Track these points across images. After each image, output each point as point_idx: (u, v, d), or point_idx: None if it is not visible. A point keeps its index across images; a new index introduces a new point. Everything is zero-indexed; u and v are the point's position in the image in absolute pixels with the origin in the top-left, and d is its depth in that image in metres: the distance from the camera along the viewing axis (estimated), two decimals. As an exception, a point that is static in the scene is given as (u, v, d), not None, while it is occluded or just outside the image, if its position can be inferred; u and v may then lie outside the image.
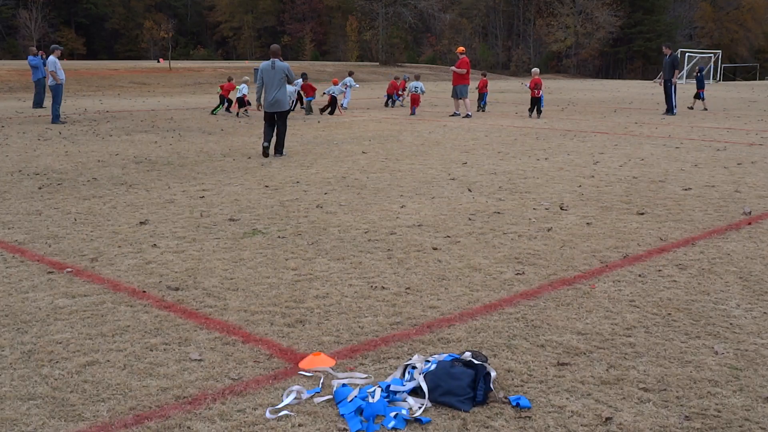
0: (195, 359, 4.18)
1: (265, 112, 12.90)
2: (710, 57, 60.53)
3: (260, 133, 16.54)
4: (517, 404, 3.63)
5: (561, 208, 8.32)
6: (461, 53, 21.53)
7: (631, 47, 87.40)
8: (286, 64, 12.82)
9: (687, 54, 58.50)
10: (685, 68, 57.25)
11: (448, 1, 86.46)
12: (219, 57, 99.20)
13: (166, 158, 12.41)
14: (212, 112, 22.79)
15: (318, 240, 6.90)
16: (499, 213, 8.09)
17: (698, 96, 25.42)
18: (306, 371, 4.03)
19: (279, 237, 7.02)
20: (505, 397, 3.72)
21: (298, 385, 3.85)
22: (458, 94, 21.49)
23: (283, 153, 12.93)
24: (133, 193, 9.28)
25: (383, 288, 5.49)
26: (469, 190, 9.40)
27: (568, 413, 3.58)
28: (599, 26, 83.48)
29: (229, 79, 24.45)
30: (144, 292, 5.39)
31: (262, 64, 12.95)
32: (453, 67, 21.35)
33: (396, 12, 73.36)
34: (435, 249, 6.58)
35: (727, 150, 13.71)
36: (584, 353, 4.30)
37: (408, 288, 5.50)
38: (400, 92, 27.27)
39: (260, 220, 7.74)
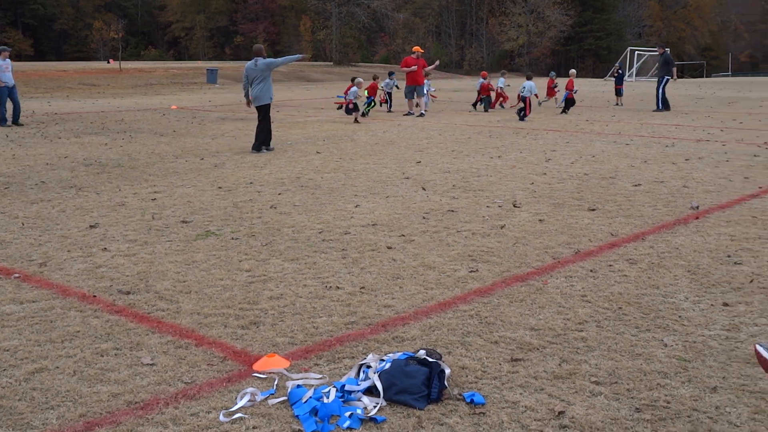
0: (147, 364, 4.13)
1: (256, 108, 13.60)
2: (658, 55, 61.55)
3: (213, 134, 16.41)
4: (472, 401, 3.66)
5: (514, 206, 8.39)
6: (416, 53, 21.54)
7: (582, 46, 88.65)
8: (268, 59, 13.36)
9: (636, 52, 59.44)
10: (635, 66, 58.21)
11: (402, 0, 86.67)
12: (170, 57, 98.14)
13: (117, 160, 12.24)
14: (363, 113, 21.51)
15: (272, 241, 6.86)
16: (452, 211, 8.13)
17: (618, 93, 26.98)
18: (260, 373, 4.01)
19: (232, 238, 6.97)
20: (460, 394, 3.74)
21: (252, 387, 3.83)
22: (411, 94, 21.55)
23: (270, 147, 13.48)
24: (82, 196, 9.13)
25: (338, 288, 5.48)
26: (423, 189, 9.43)
27: (522, 408, 3.61)
28: (551, 25, 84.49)
29: (374, 78, 23.19)
30: (94, 296, 5.31)
31: (247, 64, 13.57)
32: (403, 67, 21.50)
33: (349, 12, 73.33)
34: (389, 248, 6.59)
35: (675, 146, 13.97)
36: (537, 348, 4.34)
37: (363, 287, 5.50)
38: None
39: (213, 222, 7.67)
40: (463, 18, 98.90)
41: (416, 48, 22.02)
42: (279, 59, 13.66)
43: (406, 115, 21.71)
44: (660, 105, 23.31)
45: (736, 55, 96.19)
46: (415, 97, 21.63)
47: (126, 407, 3.63)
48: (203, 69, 49.74)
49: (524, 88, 20.79)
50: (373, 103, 22.13)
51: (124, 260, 6.24)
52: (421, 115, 21.22)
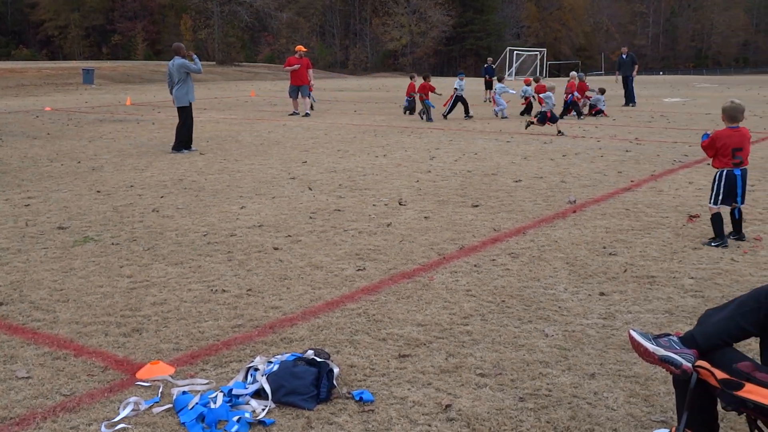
0: (22, 377, 3.94)
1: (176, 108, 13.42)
2: (536, 54, 63.59)
3: (91, 136, 15.85)
4: (361, 398, 3.67)
5: (399, 204, 8.48)
6: (299, 52, 21.42)
7: (463, 45, 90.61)
8: (182, 61, 13.12)
9: (515, 52, 61.13)
10: (515, 65, 59.87)
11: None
12: (44, 57, 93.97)
13: (-13, 165, 11.63)
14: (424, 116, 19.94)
15: (154, 245, 6.68)
16: (339, 210, 8.14)
17: (489, 86, 28.41)
18: (144, 381, 3.90)
19: (113, 244, 6.74)
20: (349, 393, 3.75)
21: (135, 396, 3.72)
22: (295, 93, 21.46)
23: (182, 150, 13.18)
24: (-51, 203, 8.63)
25: (224, 291, 5.40)
26: (310, 189, 9.40)
27: (410, 404, 3.65)
28: (433, 25, 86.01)
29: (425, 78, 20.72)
30: (-37, 309, 5.03)
31: (169, 63, 13.43)
32: (285, 67, 21.39)
33: (231, 11, 72.17)
34: (276, 249, 6.53)
35: (553, 143, 14.45)
36: (424, 344, 4.40)
37: (249, 289, 5.43)
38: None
39: (92, 227, 7.40)
40: (347, 18, 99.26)
41: (299, 47, 21.88)
42: (192, 65, 13.21)
43: (291, 114, 21.58)
44: (635, 100, 25.18)
45: (609, 55, 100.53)
46: (299, 96, 21.53)
47: (0, 424, 3.45)
48: (79, 69, 47.89)
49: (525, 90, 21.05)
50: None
51: (-5, 270, 5.93)
52: (306, 114, 21.14)
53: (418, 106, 20.96)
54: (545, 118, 16.29)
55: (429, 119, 19.74)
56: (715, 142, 6.56)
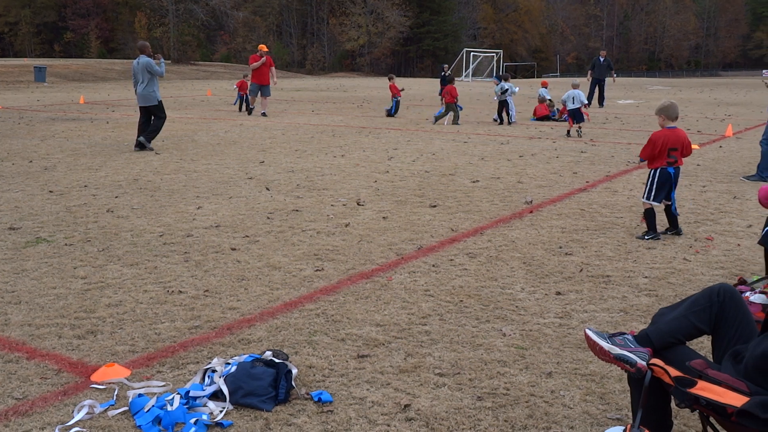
0: (-28, 381, 3.86)
1: (142, 108, 13.35)
2: (493, 56, 64.09)
3: (43, 135, 15.57)
4: (319, 399, 3.66)
5: (358, 204, 8.48)
6: (260, 51, 21.28)
7: (420, 46, 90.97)
8: (148, 60, 12.97)
9: (472, 53, 61.53)
10: (471, 67, 60.26)
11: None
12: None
13: (-66, 164, 11.35)
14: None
15: (109, 246, 6.59)
16: (297, 211, 8.11)
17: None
18: (99, 384, 3.83)
19: (66, 245, 6.63)
20: (307, 393, 3.74)
21: (90, 399, 3.66)
22: (255, 92, 21.34)
23: (148, 146, 13.09)
24: None
25: (180, 292, 5.34)
26: (267, 189, 9.35)
27: (369, 404, 3.65)
28: (390, 26, 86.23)
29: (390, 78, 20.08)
30: None
31: (133, 62, 13.29)
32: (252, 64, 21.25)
33: (187, 9, 71.44)
34: (234, 249, 6.49)
35: (510, 144, 14.58)
36: (383, 344, 4.40)
37: (206, 290, 5.38)
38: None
39: (44, 228, 7.26)
40: (304, 17, 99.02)
41: (261, 46, 21.77)
42: (156, 67, 13.07)
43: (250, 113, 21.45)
44: (603, 103, 25.92)
45: (564, 56, 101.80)
46: (259, 95, 21.41)
47: (-51, 429, 3.38)
48: (30, 66, 47.03)
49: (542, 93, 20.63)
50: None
51: (-56, 271, 5.80)
52: (263, 114, 21.02)
53: (398, 107, 21.43)
54: (580, 116, 16.08)
55: (455, 122, 19.11)
56: (655, 142, 6.80)
